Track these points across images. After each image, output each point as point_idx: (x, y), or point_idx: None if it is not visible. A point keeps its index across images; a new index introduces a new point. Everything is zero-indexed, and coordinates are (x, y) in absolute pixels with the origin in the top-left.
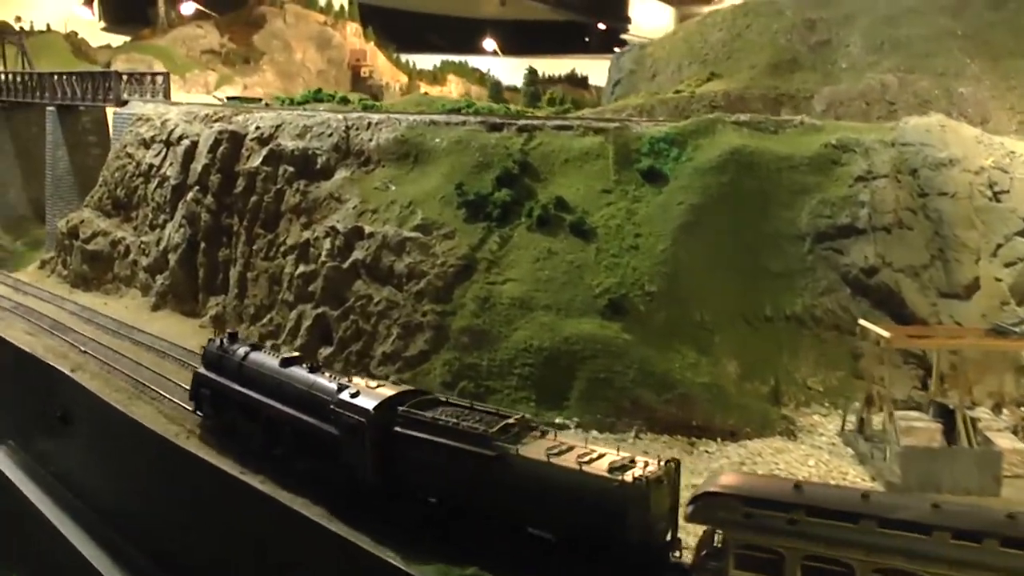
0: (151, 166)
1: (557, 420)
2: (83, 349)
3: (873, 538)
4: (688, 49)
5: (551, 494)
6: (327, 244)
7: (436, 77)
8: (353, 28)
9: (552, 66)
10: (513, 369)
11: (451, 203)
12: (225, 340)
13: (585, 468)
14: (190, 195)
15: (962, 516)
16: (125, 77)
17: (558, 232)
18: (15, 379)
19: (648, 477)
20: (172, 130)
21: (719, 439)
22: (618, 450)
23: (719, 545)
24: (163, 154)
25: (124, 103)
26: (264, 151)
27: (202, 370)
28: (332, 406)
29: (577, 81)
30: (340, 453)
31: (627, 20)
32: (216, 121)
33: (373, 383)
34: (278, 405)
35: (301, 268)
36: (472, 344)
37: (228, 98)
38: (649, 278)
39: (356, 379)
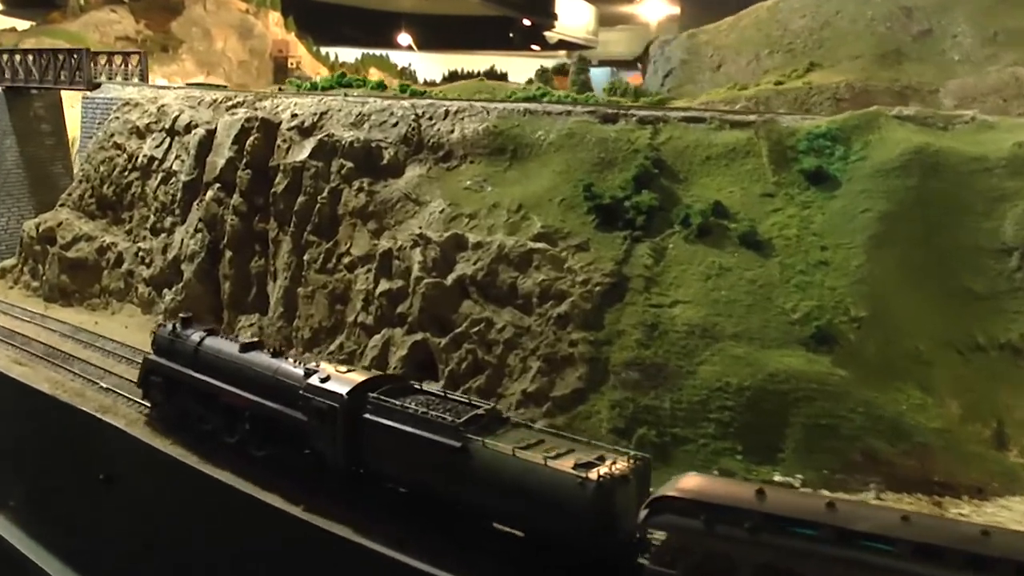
0: (151, 159)
1: (776, 477)
2: (102, 385)
3: (831, 549)
4: (764, 37)
5: (516, 489)
6: (417, 256)
7: (358, 71)
8: (275, 17)
9: (470, 62)
10: (708, 413)
11: (575, 207)
12: (178, 325)
13: (550, 463)
14: (209, 194)
15: (931, 530)
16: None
17: (724, 244)
18: (17, 424)
19: (613, 475)
20: (176, 117)
21: (966, 497)
22: (588, 445)
23: (676, 550)
24: (166, 145)
25: (96, 86)
26: (311, 142)
27: (152, 356)
28: (301, 391)
29: (496, 78)
30: (308, 439)
31: (554, 16)
32: (235, 107)
33: (343, 368)
34: (238, 391)
35: (384, 284)
36: (644, 381)
37: (188, 84)
38: (852, 300)
39: (324, 364)
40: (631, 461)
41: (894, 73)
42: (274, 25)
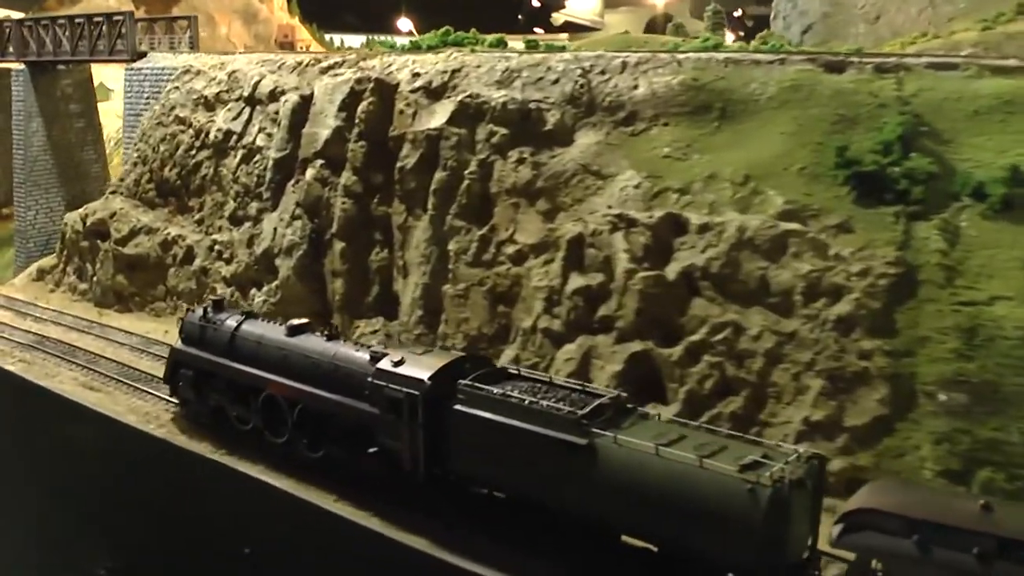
0: (227, 134)
1: None
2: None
3: None
4: None
5: (660, 496)
6: (620, 242)
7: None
8: (279, 2)
9: None
10: None
11: (820, 177)
12: (209, 309)
13: (707, 464)
14: (309, 173)
15: None
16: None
17: None
18: (102, 468)
19: (790, 479)
20: (256, 83)
21: None
22: (742, 441)
23: None
24: (245, 116)
25: (142, 55)
26: (447, 106)
27: (181, 346)
28: (369, 378)
29: None
30: (377, 436)
31: None
32: (332, 68)
33: (418, 349)
34: (287, 382)
35: (577, 280)
36: (975, 406)
37: None
38: None
39: (392, 347)
40: (803, 461)
41: None
42: (279, 10)
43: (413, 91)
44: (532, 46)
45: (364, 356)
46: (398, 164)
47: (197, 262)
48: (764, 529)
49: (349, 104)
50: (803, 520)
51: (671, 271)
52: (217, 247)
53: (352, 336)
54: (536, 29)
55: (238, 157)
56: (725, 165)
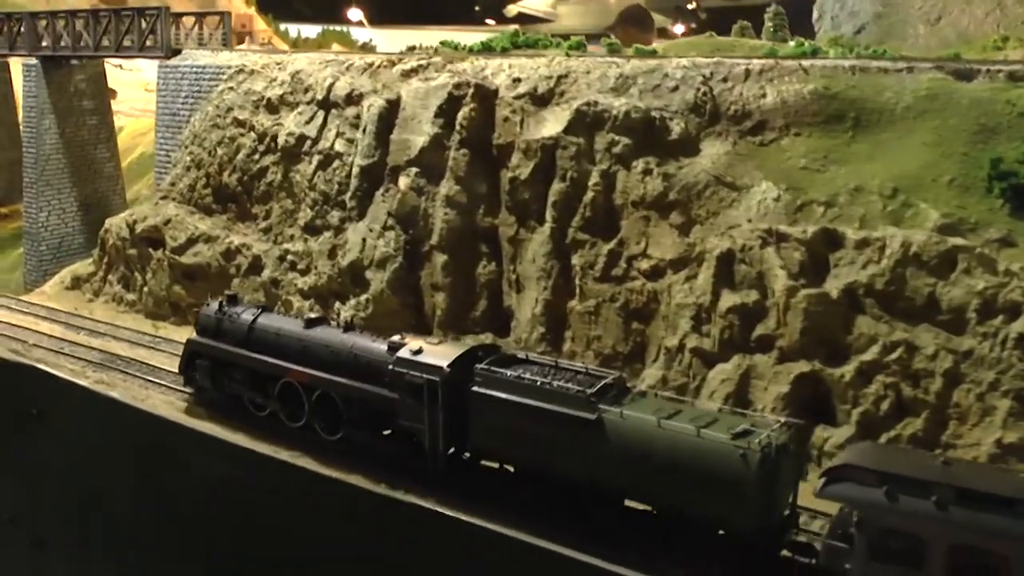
0: (300, 138)
1: None
2: (321, 438)
3: None
4: None
5: (661, 462)
6: (774, 258)
7: (320, 47)
8: None
9: (430, 38)
10: None
11: (971, 189)
12: (225, 303)
13: (704, 433)
14: (403, 181)
15: None
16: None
17: None
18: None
19: (777, 445)
20: (330, 85)
21: None
22: (732, 414)
23: (854, 527)
24: (320, 120)
25: (176, 52)
26: (562, 113)
27: (197, 338)
28: (390, 366)
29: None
30: (397, 419)
31: None
32: (414, 72)
33: (433, 339)
34: (309, 371)
35: (730, 298)
36: None
37: None
38: None
39: (409, 337)
40: (787, 428)
41: None
42: None
43: (517, 97)
44: (611, 50)
45: (382, 346)
46: (509, 174)
47: (266, 273)
48: (754, 488)
49: (447, 110)
50: (787, 480)
51: (832, 288)
52: (290, 257)
53: None
54: (488, 20)
55: (314, 163)
56: (869, 177)
